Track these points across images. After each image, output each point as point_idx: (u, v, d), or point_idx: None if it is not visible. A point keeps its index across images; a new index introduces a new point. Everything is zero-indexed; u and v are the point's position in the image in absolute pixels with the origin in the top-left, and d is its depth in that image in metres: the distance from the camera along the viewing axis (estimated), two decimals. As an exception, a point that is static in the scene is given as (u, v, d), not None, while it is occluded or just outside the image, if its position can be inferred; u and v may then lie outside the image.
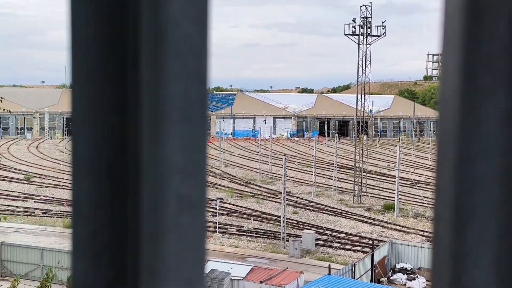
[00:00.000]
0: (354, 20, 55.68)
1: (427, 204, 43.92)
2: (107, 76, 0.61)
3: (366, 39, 54.74)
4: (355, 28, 55.36)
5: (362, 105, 52.45)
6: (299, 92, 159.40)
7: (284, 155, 39.69)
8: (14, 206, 42.25)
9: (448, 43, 0.55)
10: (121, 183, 0.61)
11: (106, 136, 0.62)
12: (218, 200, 39.05)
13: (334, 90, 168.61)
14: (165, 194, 0.58)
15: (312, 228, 36.67)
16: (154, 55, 0.57)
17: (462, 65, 0.52)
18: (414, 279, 28.81)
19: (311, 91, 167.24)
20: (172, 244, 0.58)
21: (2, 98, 8.46)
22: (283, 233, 33.98)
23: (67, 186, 50.82)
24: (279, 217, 35.51)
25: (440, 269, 0.53)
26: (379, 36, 55.59)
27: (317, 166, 52.22)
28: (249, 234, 36.34)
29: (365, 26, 55.04)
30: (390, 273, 29.44)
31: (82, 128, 0.62)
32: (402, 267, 29.63)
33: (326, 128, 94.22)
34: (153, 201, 0.58)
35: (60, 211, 41.40)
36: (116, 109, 0.61)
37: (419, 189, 49.34)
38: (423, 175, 58.28)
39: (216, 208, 37.24)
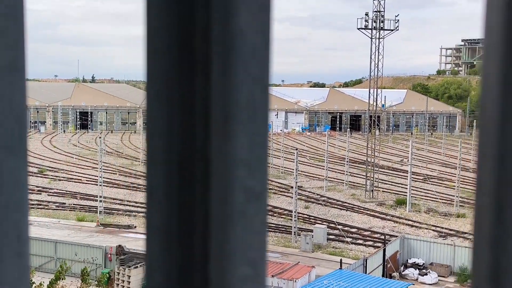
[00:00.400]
0: (367, 14, 55.44)
1: (440, 199, 43.76)
2: (179, 80, 0.67)
3: (379, 33, 54.50)
4: (367, 22, 55.15)
5: (375, 100, 52.28)
6: (311, 87, 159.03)
7: (296, 149, 39.72)
8: (28, 199, 42.63)
9: (490, 40, 0.57)
10: (190, 174, 0.67)
11: (178, 133, 0.68)
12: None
13: (346, 85, 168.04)
14: (232, 185, 0.64)
15: (324, 223, 36.73)
16: (223, 63, 0.64)
17: (505, 62, 0.54)
18: (426, 274, 28.79)
19: (323, 85, 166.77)
20: (239, 230, 0.64)
21: None
22: (294, 227, 34.07)
23: (80, 179, 51.21)
24: (291, 211, 35.60)
25: (480, 253, 0.59)
26: (392, 30, 55.33)
27: (329, 160, 52.19)
28: (261, 228, 36.43)
29: (378, 20, 54.78)
30: (402, 268, 29.44)
31: (157, 126, 0.68)
32: (414, 262, 29.62)
33: (338, 122, 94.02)
34: (221, 192, 0.65)
35: (74, 204, 41.77)
36: (187, 109, 0.67)
37: (431, 184, 49.15)
38: (436, 170, 58.03)
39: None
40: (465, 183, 45.11)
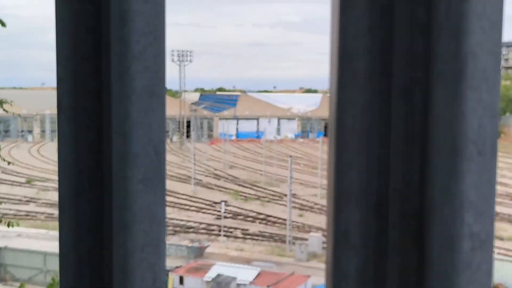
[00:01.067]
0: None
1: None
2: (376, 109, 0.67)
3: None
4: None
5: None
6: (303, 93, 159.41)
7: (290, 157, 39.73)
8: (16, 210, 42.41)
9: None
10: (387, 214, 0.65)
11: (376, 168, 0.67)
12: (223, 203, 39.11)
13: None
14: (459, 230, 0.59)
15: (319, 231, 36.70)
16: (452, 89, 0.60)
17: None
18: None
19: (315, 91, 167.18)
20: (463, 283, 0.59)
21: (11, 101, 8.59)
22: (289, 236, 34.02)
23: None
24: (285, 219, 35.54)
25: None
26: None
27: (322, 167, 52.21)
28: (255, 237, 36.38)
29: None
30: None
31: (353, 161, 0.68)
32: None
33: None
34: (446, 237, 0.60)
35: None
36: (384, 141, 0.66)
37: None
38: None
39: (220, 211, 37.29)
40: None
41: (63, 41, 0.91)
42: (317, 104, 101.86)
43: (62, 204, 0.92)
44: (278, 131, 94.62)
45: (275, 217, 41.02)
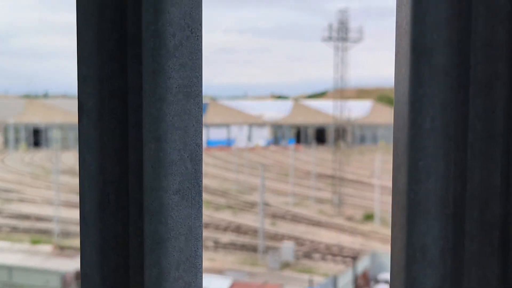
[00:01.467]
0: (330, 26, 56.25)
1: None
2: (454, 108, 0.63)
3: (343, 45, 55.33)
4: (331, 34, 55.92)
5: (340, 112, 52.91)
6: (274, 99, 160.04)
7: (262, 165, 39.78)
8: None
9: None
10: (463, 224, 0.60)
11: (454, 173, 0.62)
12: (194, 212, 38.89)
13: (310, 97, 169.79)
14: None
15: (292, 240, 36.75)
16: None
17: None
18: (396, 289, 29.02)
19: (286, 97, 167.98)
20: None
21: None
22: (261, 245, 33.99)
23: (34, 200, 50.00)
24: (257, 228, 35.52)
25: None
26: (356, 41, 56.25)
27: (294, 175, 52.39)
28: (226, 247, 36.26)
29: (342, 31, 55.65)
30: (372, 283, 29.65)
31: (432, 167, 0.63)
32: (385, 278, 29.87)
33: (303, 136, 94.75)
34: None
35: (28, 226, 40.72)
36: (461, 143, 0.63)
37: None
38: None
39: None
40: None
41: (85, 36, 0.84)
42: (288, 111, 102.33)
43: (84, 219, 0.85)
44: (249, 138, 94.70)
45: (247, 226, 40.95)
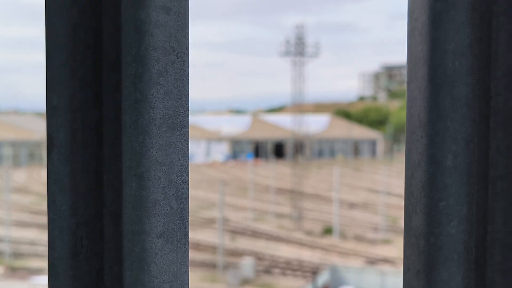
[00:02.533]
0: (288, 41, 56.93)
1: (366, 225, 44.95)
2: (476, 143, 0.59)
3: (300, 59, 56.03)
4: (288, 48, 56.60)
5: (298, 127, 53.42)
6: (232, 114, 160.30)
7: (221, 180, 39.72)
8: None
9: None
10: (485, 271, 0.57)
11: (476, 215, 0.58)
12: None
13: (268, 111, 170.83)
14: None
15: (252, 255, 36.72)
16: None
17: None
18: (356, 303, 29.30)
19: (244, 112, 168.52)
20: None
21: None
22: (221, 261, 33.84)
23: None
24: (217, 244, 35.36)
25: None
26: (313, 56, 57.07)
27: (254, 190, 52.48)
28: (186, 264, 35.94)
29: (299, 46, 56.38)
30: (332, 298, 29.84)
31: (455, 208, 0.59)
32: (345, 292, 30.11)
33: (261, 150, 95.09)
34: None
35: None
36: (482, 181, 0.59)
37: (358, 211, 50.43)
38: (362, 196, 59.66)
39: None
40: (391, 208, 46.64)
41: (56, 61, 0.76)
42: (246, 126, 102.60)
43: (54, 266, 0.78)
44: (208, 154, 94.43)
45: (206, 242, 40.73)
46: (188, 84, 0.73)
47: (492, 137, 0.58)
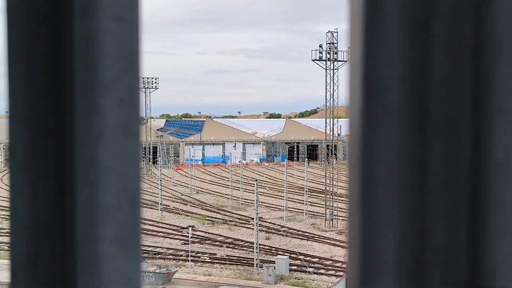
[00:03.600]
0: (320, 46, 56.52)
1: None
2: (411, 152, 0.58)
3: (333, 64, 55.55)
4: (322, 54, 56.20)
5: (331, 129, 52.96)
6: (267, 117, 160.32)
7: (256, 180, 39.63)
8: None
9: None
10: (425, 284, 0.55)
11: (413, 226, 0.57)
12: (190, 228, 38.60)
13: (302, 115, 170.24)
14: None
15: (286, 254, 36.51)
16: None
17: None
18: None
19: (279, 116, 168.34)
20: None
21: None
22: (256, 259, 33.72)
23: None
24: (252, 243, 35.27)
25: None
26: (346, 61, 56.46)
27: (288, 190, 52.27)
28: (222, 261, 35.97)
29: (332, 52, 55.90)
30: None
31: (388, 219, 0.58)
32: None
33: (295, 152, 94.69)
34: None
35: None
36: (420, 191, 0.58)
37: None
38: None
39: (188, 236, 36.80)
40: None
41: (15, 71, 0.76)
42: (281, 129, 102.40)
43: (14, 273, 0.76)
44: (244, 155, 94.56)
45: (242, 240, 40.69)
46: (139, 92, 0.71)
47: (430, 145, 0.55)
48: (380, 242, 0.56)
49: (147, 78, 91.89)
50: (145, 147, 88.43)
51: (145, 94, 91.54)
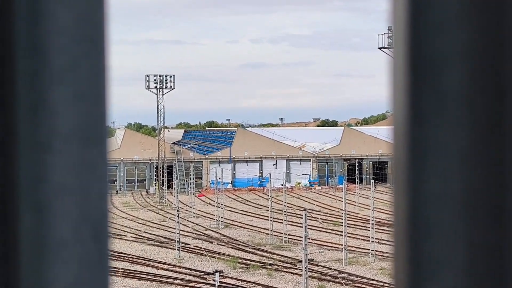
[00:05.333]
0: (390, 29, 56.14)
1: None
2: (476, 159, 0.55)
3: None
4: (391, 39, 55.79)
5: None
6: (319, 126, 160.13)
7: (304, 210, 39.33)
8: None
9: None
10: None
11: (472, 262, 0.57)
12: (217, 274, 38.52)
13: (365, 122, 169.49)
14: None
15: (345, 309, 35.99)
16: None
17: None
18: None
19: (335, 123, 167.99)
20: None
21: None
22: (306, 316, 33.33)
23: None
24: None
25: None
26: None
27: (348, 224, 51.73)
28: (260, 319, 35.70)
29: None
30: None
31: (444, 256, 0.59)
32: None
33: (357, 172, 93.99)
34: None
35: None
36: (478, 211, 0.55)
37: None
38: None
39: (214, 286, 36.65)
40: None
41: None
42: (337, 141, 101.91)
43: None
44: (288, 176, 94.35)
45: (286, 291, 40.34)
46: (109, 82, 0.68)
47: (508, 148, 0.53)
48: (435, 284, 0.55)
49: (160, 76, 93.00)
50: (157, 166, 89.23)
51: (157, 97, 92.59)
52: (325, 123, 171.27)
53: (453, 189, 0.51)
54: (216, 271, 40.46)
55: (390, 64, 0.60)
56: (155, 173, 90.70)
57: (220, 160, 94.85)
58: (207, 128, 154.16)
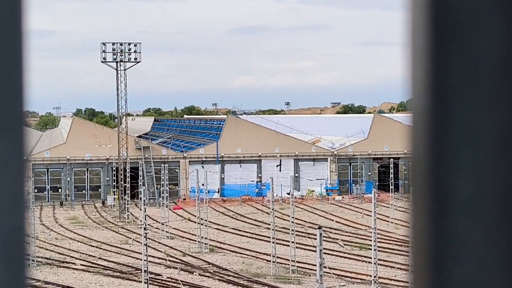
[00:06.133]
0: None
1: None
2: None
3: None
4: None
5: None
6: (339, 113, 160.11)
7: (319, 228, 39.25)
8: None
9: None
10: None
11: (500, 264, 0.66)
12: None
13: (403, 108, 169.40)
14: None
15: None
16: None
17: None
18: None
19: (361, 110, 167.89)
20: None
21: None
22: None
23: None
24: None
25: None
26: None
27: (379, 247, 51.67)
28: None
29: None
30: None
31: (471, 255, 0.65)
32: None
33: (391, 176, 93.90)
34: None
35: None
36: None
37: None
38: None
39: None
40: None
41: None
42: (364, 133, 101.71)
43: None
44: (296, 181, 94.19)
45: None
46: (26, 47, 0.68)
47: None
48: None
49: (120, 45, 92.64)
50: (116, 169, 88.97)
51: (117, 73, 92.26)
52: (347, 110, 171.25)
53: (489, 190, 0.54)
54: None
55: (406, 23, 0.60)
56: (114, 178, 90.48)
57: (204, 159, 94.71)
58: (185, 116, 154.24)
